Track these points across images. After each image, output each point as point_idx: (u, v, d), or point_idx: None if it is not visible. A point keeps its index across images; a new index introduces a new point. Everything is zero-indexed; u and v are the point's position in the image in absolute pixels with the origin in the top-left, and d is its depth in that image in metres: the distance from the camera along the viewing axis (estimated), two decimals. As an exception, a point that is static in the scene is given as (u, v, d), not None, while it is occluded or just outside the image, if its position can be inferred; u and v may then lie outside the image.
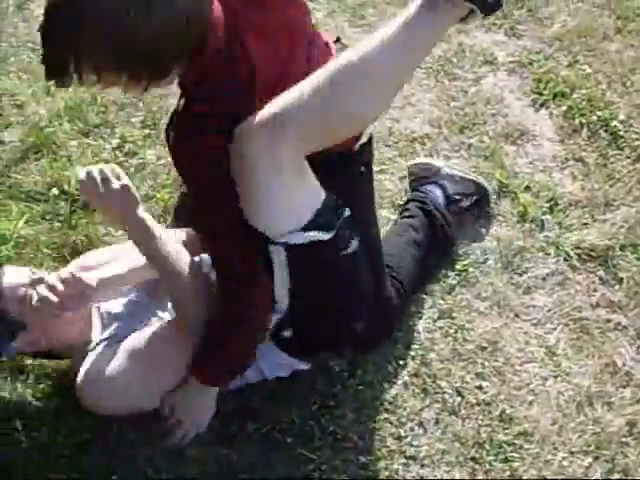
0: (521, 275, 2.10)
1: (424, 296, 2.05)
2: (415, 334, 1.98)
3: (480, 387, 1.89)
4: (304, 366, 1.84)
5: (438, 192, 2.15)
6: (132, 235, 1.68)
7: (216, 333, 1.65)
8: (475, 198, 2.19)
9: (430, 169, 2.19)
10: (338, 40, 2.58)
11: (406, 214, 2.10)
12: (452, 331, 1.99)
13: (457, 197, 2.15)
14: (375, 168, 2.26)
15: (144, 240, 1.65)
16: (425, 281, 2.06)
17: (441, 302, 2.04)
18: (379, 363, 1.92)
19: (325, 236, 1.42)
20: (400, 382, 1.90)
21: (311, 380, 1.88)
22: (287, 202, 1.37)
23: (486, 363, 1.93)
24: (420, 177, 2.20)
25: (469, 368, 1.92)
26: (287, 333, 1.64)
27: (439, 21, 1.31)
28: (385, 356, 1.93)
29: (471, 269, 2.11)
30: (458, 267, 2.11)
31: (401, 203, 2.23)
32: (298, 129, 1.31)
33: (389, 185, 2.28)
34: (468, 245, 2.15)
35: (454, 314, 2.02)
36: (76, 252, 2.11)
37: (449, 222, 2.10)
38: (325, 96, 1.31)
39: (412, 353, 1.95)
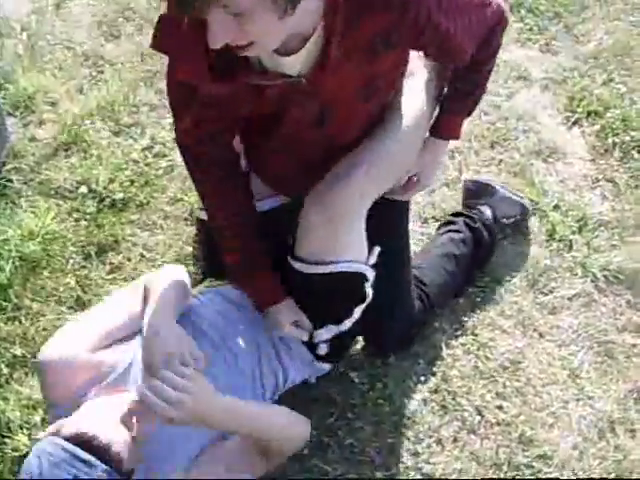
0: (547, 295, 2.08)
1: (447, 312, 2.03)
2: (437, 350, 1.96)
3: (500, 407, 1.87)
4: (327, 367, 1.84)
5: (488, 212, 2.13)
6: (215, 424, 1.44)
7: None
8: (517, 218, 2.18)
9: (487, 190, 2.17)
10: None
11: (452, 228, 2.08)
12: (474, 348, 1.97)
13: (504, 220, 2.15)
14: (404, 180, 2.27)
15: (233, 421, 1.46)
16: (458, 295, 2.05)
17: (464, 318, 2.02)
18: (399, 377, 1.91)
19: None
20: (420, 397, 1.89)
21: (330, 391, 1.87)
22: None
23: (507, 383, 1.91)
24: (475, 195, 2.19)
25: (490, 387, 1.90)
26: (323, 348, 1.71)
27: None
28: (406, 370, 1.92)
29: (496, 286, 2.09)
30: (483, 284, 2.09)
31: (428, 216, 2.21)
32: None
33: (417, 198, 2.26)
34: (493, 262, 2.13)
35: (477, 331, 2.00)
36: (102, 250, 2.12)
37: (494, 241, 2.10)
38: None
39: (433, 369, 1.93)
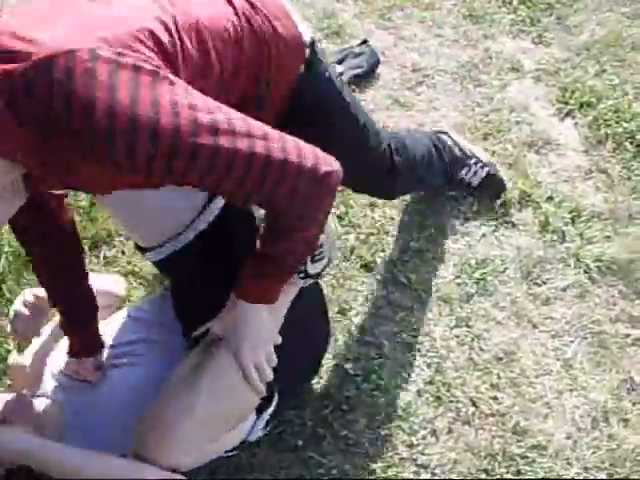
0: (540, 286, 2.08)
1: (441, 303, 2.03)
2: (431, 341, 1.97)
3: (495, 398, 1.88)
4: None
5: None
6: None
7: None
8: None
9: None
10: (365, 42, 2.60)
11: None
12: (468, 340, 1.98)
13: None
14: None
15: None
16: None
17: (458, 310, 2.03)
18: (394, 369, 1.91)
19: None
20: (414, 389, 1.89)
21: (325, 383, 1.87)
22: None
23: (502, 374, 1.91)
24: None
25: (484, 378, 1.91)
26: None
27: None
28: (400, 362, 1.92)
29: (490, 278, 2.09)
30: (476, 275, 2.09)
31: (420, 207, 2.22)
32: None
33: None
34: (487, 253, 2.13)
35: (471, 323, 2.01)
36: (95, 244, 2.12)
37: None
38: None
39: (427, 360, 1.94)
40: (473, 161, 2.17)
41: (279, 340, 1.50)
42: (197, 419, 1.43)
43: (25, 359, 1.76)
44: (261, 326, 1.45)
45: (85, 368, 1.67)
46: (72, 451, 1.45)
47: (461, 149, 2.16)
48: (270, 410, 1.65)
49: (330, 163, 1.26)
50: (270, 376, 1.49)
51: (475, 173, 2.17)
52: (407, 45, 2.69)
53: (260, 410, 1.62)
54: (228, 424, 1.53)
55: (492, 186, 2.21)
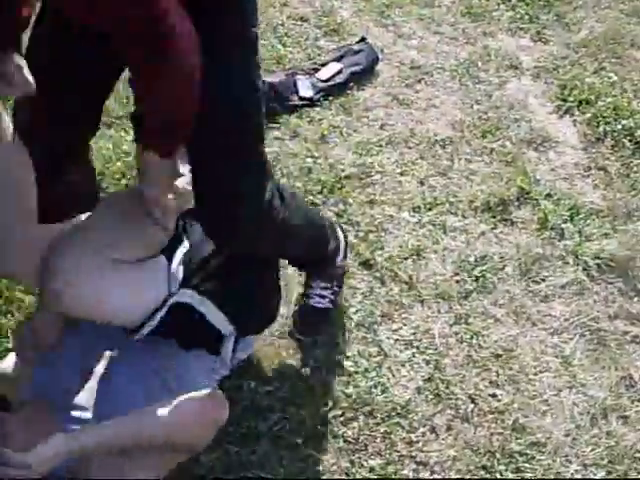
0: (539, 283, 2.08)
1: (440, 300, 2.03)
2: (430, 338, 1.97)
3: (494, 395, 1.88)
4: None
5: None
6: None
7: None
8: None
9: None
10: (364, 39, 2.60)
11: None
12: (467, 337, 1.98)
13: None
14: (396, 170, 2.28)
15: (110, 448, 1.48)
16: None
17: (457, 307, 2.03)
18: (393, 367, 1.91)
19: None
20: (413, 387, 1.89)
21: (324, 381, 1.87)
22: None
23: (500, 371, 1.91)
24: None
25: (483, 375, 1.91)
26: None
27: None
28: (399, 360, 1.92)
29: (488, 275, 2.09)
30: (475, 273, 2.09)
31: (421, 205, 2.21)
32: None
33: (409, 187, 2.27)
34: (486, 251, 2.13)
35: (470, 320, 2.01)
36: None
37: None
38: None
39: (426, 358, 1.94)
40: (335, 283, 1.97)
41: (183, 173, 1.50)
42: (89, 242, 1.45)
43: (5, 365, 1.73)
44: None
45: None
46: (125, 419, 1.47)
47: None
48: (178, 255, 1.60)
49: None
50: (174, 215, 1.51)
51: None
52: (406, 43, 2.70)
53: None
54: (131, 250, 1.52)
55: None
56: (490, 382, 1.90)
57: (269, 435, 1.77)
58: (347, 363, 1.90)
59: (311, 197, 2.21)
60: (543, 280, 2.09)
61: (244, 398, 1.80)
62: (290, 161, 2.29)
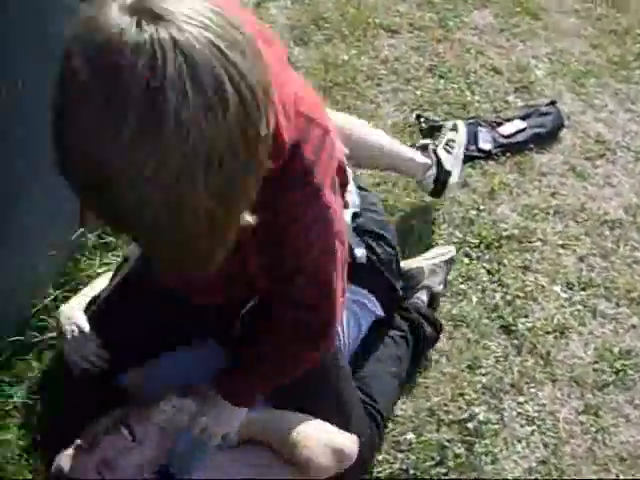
0: (683, 393, 1.96)
1: (573, 385, 1.96)
2: (554, 421, 1.90)
3: (609, 498, 1.79)
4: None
5: (424, 297, 2.02)
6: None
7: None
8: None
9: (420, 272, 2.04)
10: (553, 103, 2.55)
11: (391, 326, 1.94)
12: (593, 430, 1.89)
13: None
14: (558, 241, 2.23)
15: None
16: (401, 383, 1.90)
17: (589, 396, 1.95)
18: (509, 439, 1.86)
19: None
20: (525, 465, 1.83)
21: (435, 438, 1.85)
22: None
23: (621, 476, 1.82)
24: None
25: (601, 475, 1.82)
26: None
27: None
28: (517, 434, 1.87)
29: (630, 371, 1.99)
30: (617, 365, 2.00)
31: (575, 282, 2.15)
32: None
33: (567, 261, 2.20)
34: (633, 345, 2.04)
35: (600, 413, 1.92)
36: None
37: (437, 328, 1.98)
38: None
39: (546, 440, 1.87)
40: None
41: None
42: None
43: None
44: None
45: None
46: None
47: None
48: None
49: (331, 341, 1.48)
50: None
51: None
52: (595, 114, 2.63)
53: None
54: None
55: None
56: (608, 484, 1.81)
57: None
58: (469, 425, 1.86)
59: (467, 249, 2.20)
60: (688, 389, 1.97)
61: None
62: (454, 208, 2.28)
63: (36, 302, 1.86)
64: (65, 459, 1.44)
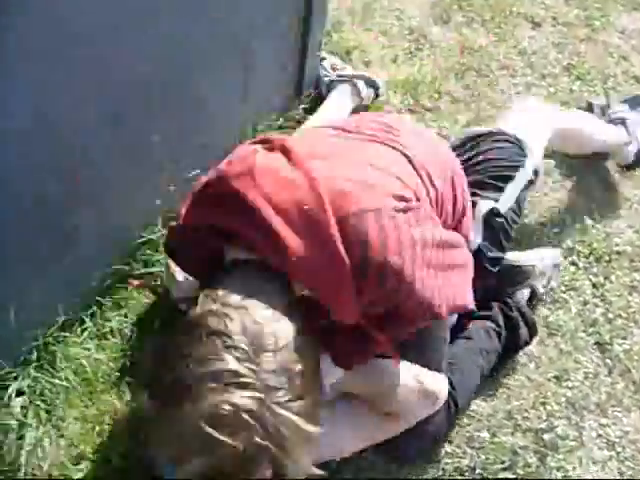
0: None
1: None
2: (635, 451, 1.83)
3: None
4: None
5: (526, 293, 1.98)
6: None
7: None
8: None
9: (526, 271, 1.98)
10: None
11: (488, 316, 1.91)
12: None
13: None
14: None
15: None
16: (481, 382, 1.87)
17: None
18: (584, 460, 1.80)
19: None
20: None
21: (511, 444, 1.82)
22: None
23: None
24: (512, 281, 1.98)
25: (677, 514, 1.76)
26: None
27: None
28: (593, 456, 1.81)
29: None
30: None
31: None
32: None
33: None
34: None
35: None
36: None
37: (532, 331, 1.94)
38: None
39: (622, 468, 1.80)
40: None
41: None
42: None
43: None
44: None
45: None
46: None
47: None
48: None
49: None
50: None
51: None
52: None
53: None
54: None
55: None
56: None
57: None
58: (546, 436, 1.82)
59: (575, 257, 2.14)
60: None
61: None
62: (569, 214, 2.25)
63: (144, 235, 1.92)
64: None
